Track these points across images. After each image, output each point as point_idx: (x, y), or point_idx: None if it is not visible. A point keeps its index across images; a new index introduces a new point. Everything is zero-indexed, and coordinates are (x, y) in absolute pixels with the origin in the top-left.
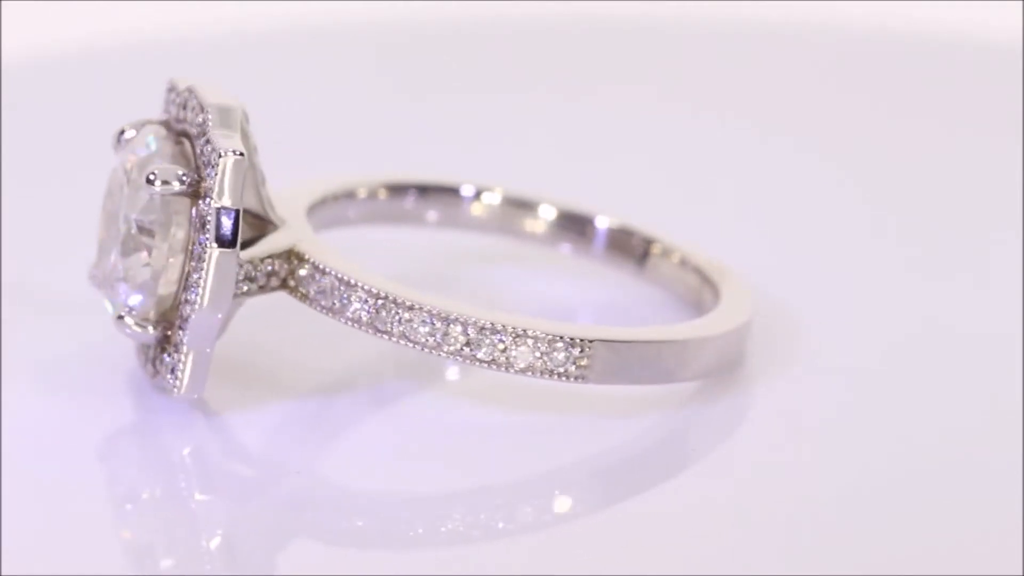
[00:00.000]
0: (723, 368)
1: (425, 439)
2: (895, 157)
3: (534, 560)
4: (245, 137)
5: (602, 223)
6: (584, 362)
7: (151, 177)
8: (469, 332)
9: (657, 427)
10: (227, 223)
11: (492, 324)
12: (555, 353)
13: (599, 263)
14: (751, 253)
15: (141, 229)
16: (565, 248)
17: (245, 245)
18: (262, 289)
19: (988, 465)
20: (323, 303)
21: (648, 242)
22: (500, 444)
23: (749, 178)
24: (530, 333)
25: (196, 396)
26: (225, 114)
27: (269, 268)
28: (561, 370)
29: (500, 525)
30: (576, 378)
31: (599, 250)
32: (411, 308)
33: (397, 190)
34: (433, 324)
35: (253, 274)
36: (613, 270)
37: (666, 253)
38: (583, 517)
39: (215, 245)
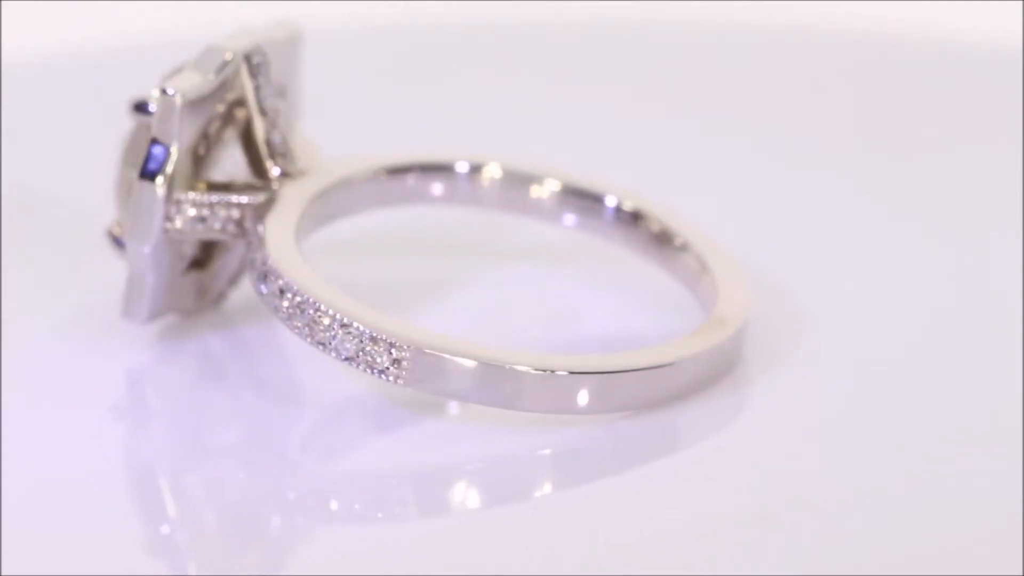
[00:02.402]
0: (609, 409)
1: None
2: (899, 155)
3: (522, 552)
4: (235, 80)
5: (610, 201)
6: (403, 364)
7: (133, 104)
8: (309, 311)
9: (651, 424)
10: (151, 156)
11: (324, 308)
12: (373, 349)
13: (603, 239)
14: (752, 249)
15: (126, 153)
16: (570, 220)
17: (228, 190)
18: (221, 232)
19: (990, 465)
20: (248, 255)
21: (651, 221)
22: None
23: (753, 176)
24: (354, 325)
25: (139, 322)
26: (207, 56)
27: (225, 214)
28: (380, 367)
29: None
30: (395, 378)
31: (605, 226)
32: (278, 277)
33: (403, 170)
34: (290, 298)
35: (205, 215)
36: (618, 248)
37: (670, 235)
38: (573, 515)
39: (137, 176)
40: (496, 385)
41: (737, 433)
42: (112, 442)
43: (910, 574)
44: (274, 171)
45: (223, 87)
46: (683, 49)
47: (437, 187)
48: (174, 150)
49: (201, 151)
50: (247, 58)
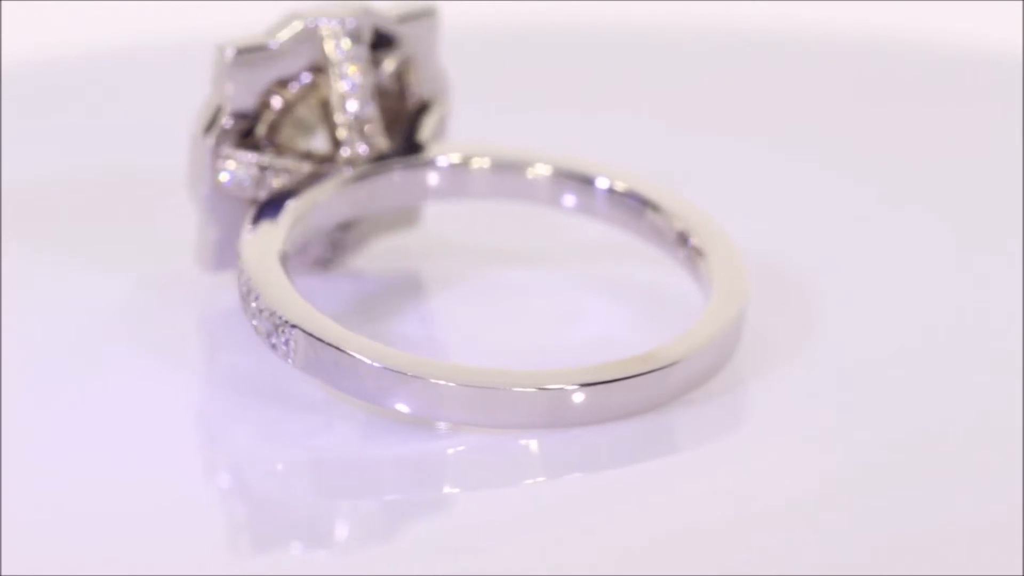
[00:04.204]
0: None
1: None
2: (902, 156)
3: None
4: (317, 47)
5: (603, 183)
6: (291, 344)
7: None
8: (244, 280)
9: (647, 425)
10: (205, 110)
11: (248, 281)
12: (270, 323)
13: (601, 220)
14: (752, 249)
15: None
16: (569, 201)
17: (283, 155)
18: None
19: (990, 466)
20: None
21: (647, 205)
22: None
23: (754, 176)
24: (262, 294)
25: (207, 269)
26: (283, 20)
27: (274, 178)
28: (273, 341)
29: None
30: (285, 356)
31: (602, 207)
32: (239, 252)
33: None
34: (240, 271)
35: (255, 175)
36: (616, 231)
37: (668, 221)
38: (570, 516)
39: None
40: (378, 385)
41: (735, 433)
42: (167, 391)
43: (910, 574)
44: (345, 145)
45: (298, 52)
46: (686, 50)
47: (433, 177)
48: (225, 105)
49: (273, 114)
50: (330, 27)
